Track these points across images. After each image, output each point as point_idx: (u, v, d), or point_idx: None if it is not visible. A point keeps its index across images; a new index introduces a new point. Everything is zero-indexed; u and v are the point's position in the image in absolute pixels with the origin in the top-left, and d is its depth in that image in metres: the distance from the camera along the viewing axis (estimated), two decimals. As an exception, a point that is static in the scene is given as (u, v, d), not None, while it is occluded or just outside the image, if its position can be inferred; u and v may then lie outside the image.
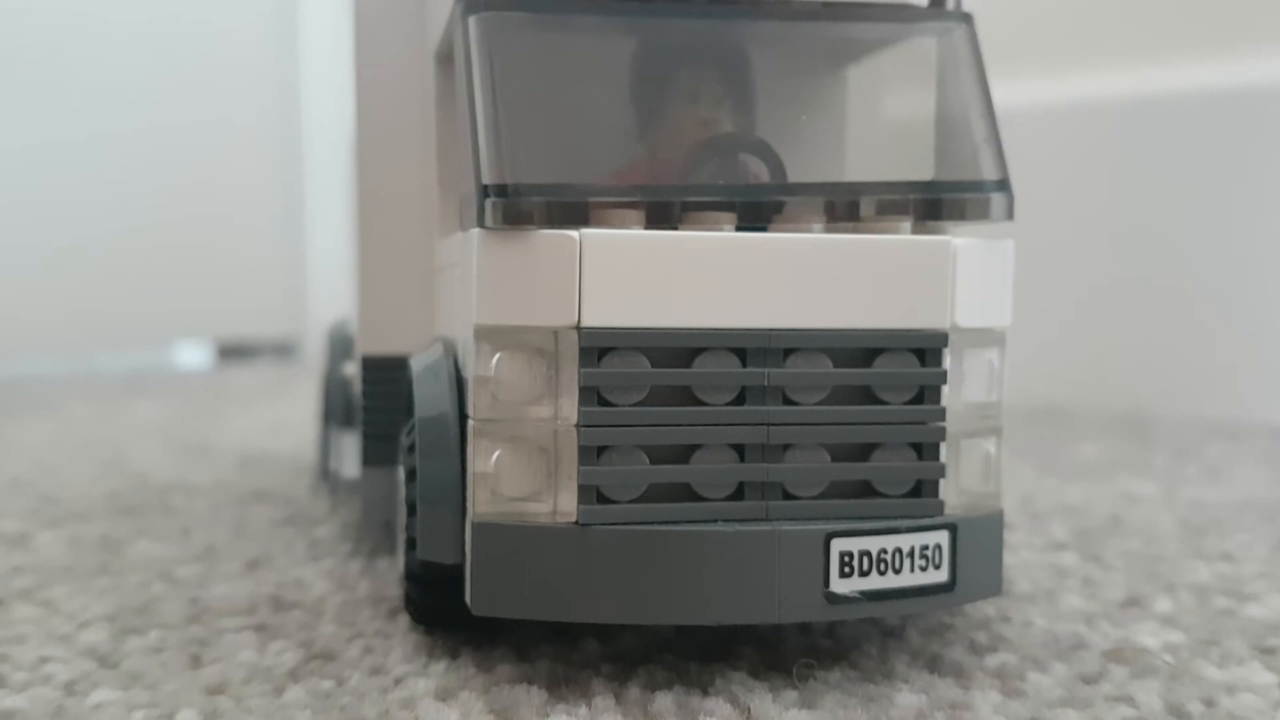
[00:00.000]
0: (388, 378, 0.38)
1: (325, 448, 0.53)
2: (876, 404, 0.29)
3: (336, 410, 0.49)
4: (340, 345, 0.52)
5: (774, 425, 0.28)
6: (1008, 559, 0.40)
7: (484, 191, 0.28)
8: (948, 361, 0.30)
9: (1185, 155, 0.78)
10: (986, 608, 0.35)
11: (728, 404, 0.28)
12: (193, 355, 1.30)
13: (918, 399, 0.29)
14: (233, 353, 1.29)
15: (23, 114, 1.06)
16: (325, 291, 1.19)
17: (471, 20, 0.29)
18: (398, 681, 0.29)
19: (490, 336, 0.28)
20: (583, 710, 0.27)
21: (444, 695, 0.28)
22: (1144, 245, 0.80)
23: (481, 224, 0.28)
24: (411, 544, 0.31)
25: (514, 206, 0.27)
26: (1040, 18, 0.84)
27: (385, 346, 0.39)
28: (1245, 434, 0.69)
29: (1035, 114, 0.82)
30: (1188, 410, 0.76)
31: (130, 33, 1.13)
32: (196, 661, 0.30)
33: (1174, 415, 0.75)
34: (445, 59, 0.35)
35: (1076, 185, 0.82)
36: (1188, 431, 0.70)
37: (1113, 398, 0.79)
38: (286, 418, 0.78)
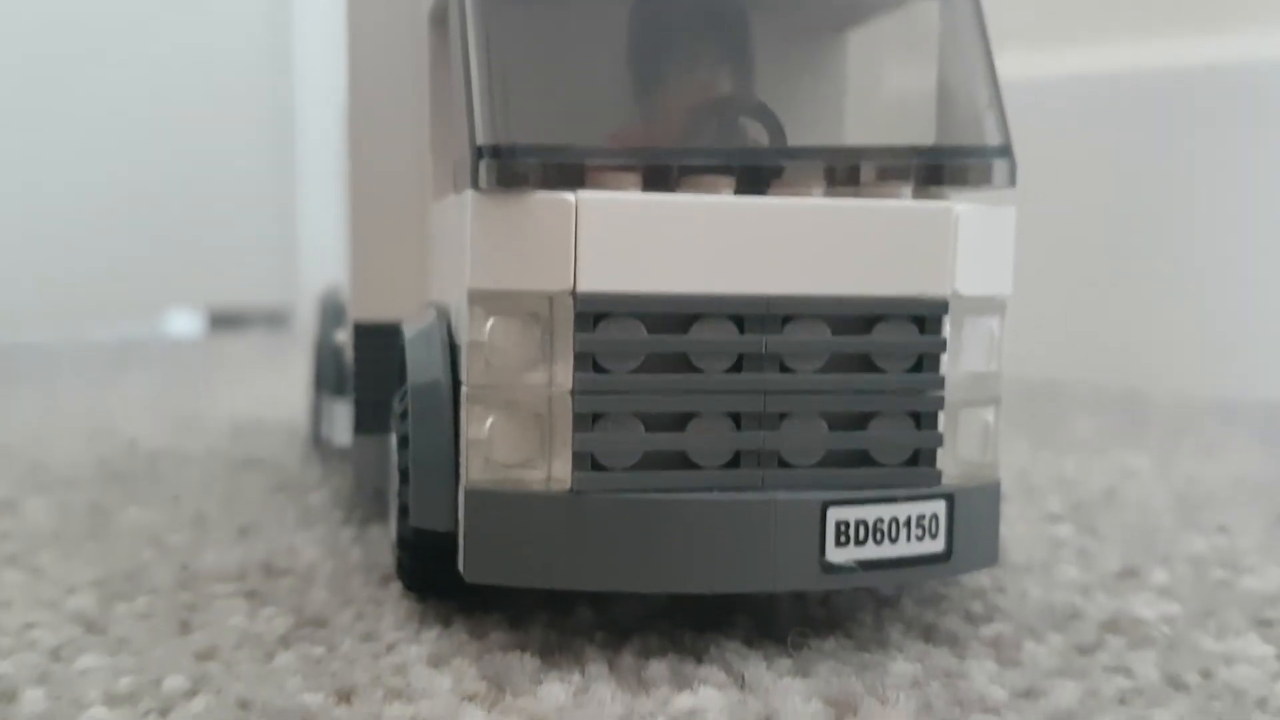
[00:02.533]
0: (380, 344, 0.37)
1: (317, 415, 0.53)
2: (875, 372, 0.29)
3: (328, 378, 0.49)
4: (332, 312, 0.52)
5: (771, 393, 0.28)
6: (1004, 531, 0.39)
7: (478, 152, 0.27)
8: (947, 330, 0.29)
9: (1184, 130, 0.78)
10: (982, 578, 0.35)
11: (725, 371, 0.28)
12: (184, 324, 1.29)
13: (916, 368, 0.29)
14: (224, 322, 1.29)
15: (12, 82, 1.04)
16: (318, 259, 1.18)
17: (466, -22, 0.28)
18: (389, 648, 0.29)
19: (484, 301, 0.27)
20: (576, 678, 0.27)
21: (436, 662, 0.28)
22: (1142, 221, 0.80)
23: (475, 186, 0.27)
24: (404, 511, 0.31)
25: (509, 168, 0.27)
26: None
27: (377, 313, 0.38)
28: (1241, 411, 0.69)
29: (1035, 85, 0.81)
30: (1183, 387, 0.75)
31: (122, 3, 1.11)
32: (185, 627, 0.30)
33: (1170, 392, 0.75)
34: (439, 19, 0.34)
35: (1074, 159, 0.82)
36: (1183, 408, 0.70)
37: (1109, 373, 0.79)
38: (278, 386, 0.78)
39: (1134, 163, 0.80)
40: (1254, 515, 0.43)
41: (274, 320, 1.29)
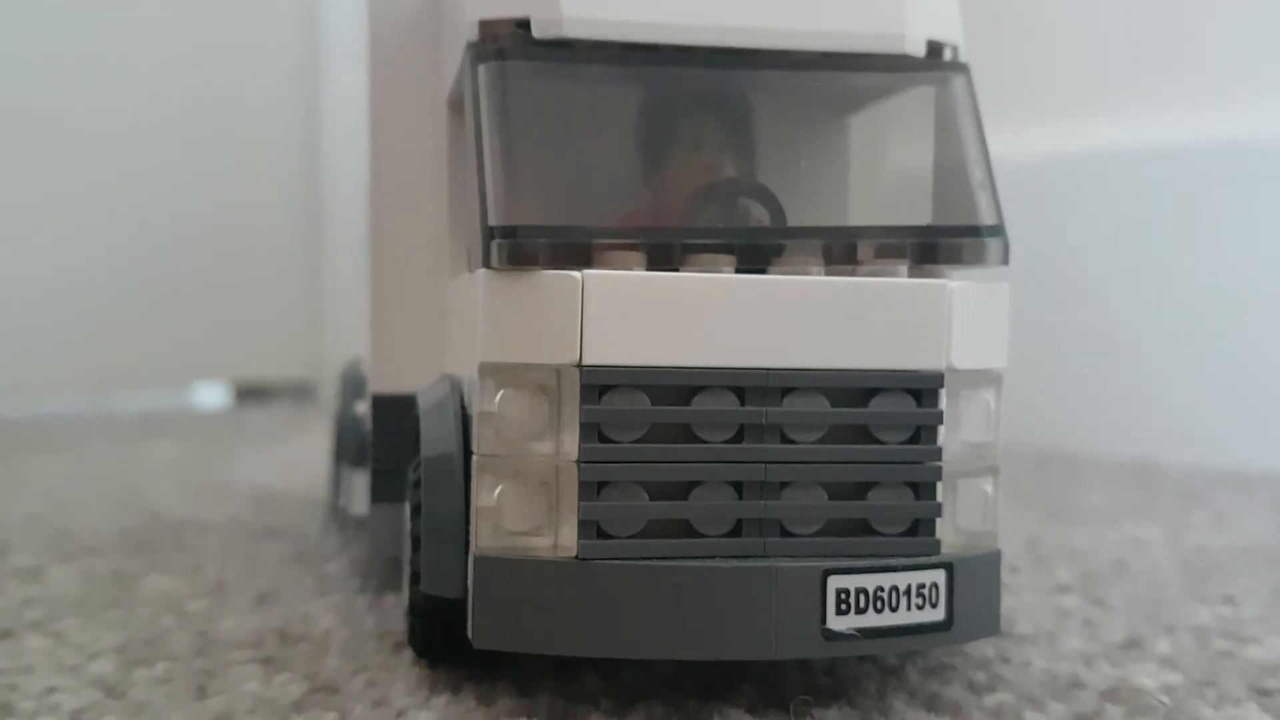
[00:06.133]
0: (397, 415, 0.39)
1: (336, 486, 0.54)
2: (873, 443, 0.30)
3: (348, 449, 0.50)
4: (353, 385, 0.53)
5: (772, 463, 0.29)
6: (1011, 601, 0.40)
7: (490, 233, 0.28)
8: (944, 402, 0.30)
9: (1192, 204, 0.79)
10: (986, 648, 0.35)
11: (726, 442, 0.29)
12: (211, 396, 1.31)
13: (914, 439, 0.30)
14: (251, 394, 1.30)
15: (42, 154, 1.08)
16: (342, 333, 1.20)
17: (480, 69, 0.30)
18: (400, 714, 0.29)
19: (494, 373, 0.29)
20: (580, 743, 0.27)
21: (444, 727, 0.28)
22: (1155, 293, 0.80)
23: (488, 264, 0.28)
24: (415, 578, 0.31)
25: (519, 247, 0.28)
26: (1038, 65, 0.85)
27: (395, 385, 0.39)
28: (1254, 482, 0.69)
29: (1048, 161, 0.83)
30: (1197, 458, 0.75)
31: (154, 79, 1.15)
32: (202, 692, 0.31)
33: (1183, 463, 0.75)
34: (456, 106, 0.36)
35: (1091, 232, 0.83)
36: (1196, 479, 0.70)
37: (1122, 445, 0.79)
38: (301, 457, 0.79)
39: (1150, 234, 0.81)
40: (1261, 585, 0.43)
41: (299, 393, 1.31)
